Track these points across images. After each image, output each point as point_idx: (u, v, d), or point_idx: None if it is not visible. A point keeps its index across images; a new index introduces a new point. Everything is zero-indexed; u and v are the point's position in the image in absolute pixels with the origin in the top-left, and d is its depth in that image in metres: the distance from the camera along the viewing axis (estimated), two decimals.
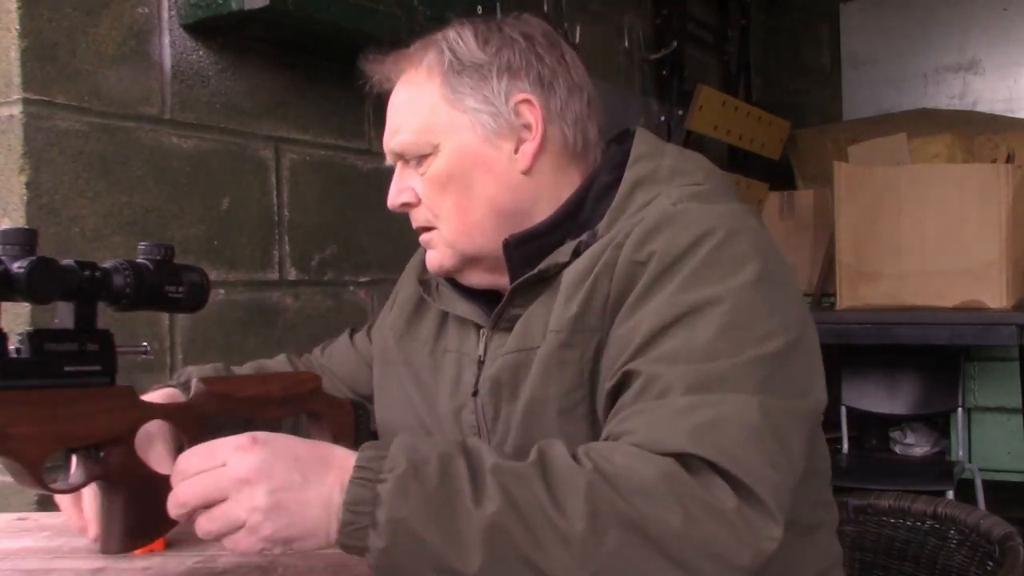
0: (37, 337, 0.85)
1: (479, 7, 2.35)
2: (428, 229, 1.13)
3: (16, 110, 1.72)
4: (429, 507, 0.78)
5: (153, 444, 1.02)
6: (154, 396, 1.09)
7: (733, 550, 0.79)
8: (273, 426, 1.19)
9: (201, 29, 2.02)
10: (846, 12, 4.94)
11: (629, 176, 1.06)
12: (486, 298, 1.14)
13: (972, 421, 3.58)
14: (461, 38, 1.10)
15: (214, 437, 0.88)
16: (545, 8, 3.24)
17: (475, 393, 1.10)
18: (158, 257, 0.95)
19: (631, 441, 0.84)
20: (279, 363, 1.36)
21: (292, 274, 2.26)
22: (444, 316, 1.20)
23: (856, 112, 4.82)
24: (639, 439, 0.84)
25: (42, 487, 0.87)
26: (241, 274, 2.14)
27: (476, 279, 1.14)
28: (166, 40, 1.98)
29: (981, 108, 4.56)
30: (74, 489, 0.91)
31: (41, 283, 0.82)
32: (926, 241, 3.29)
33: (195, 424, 0.99)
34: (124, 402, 0.92)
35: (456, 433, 1.11)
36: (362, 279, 2.44)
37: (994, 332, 3.05)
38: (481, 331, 1.13)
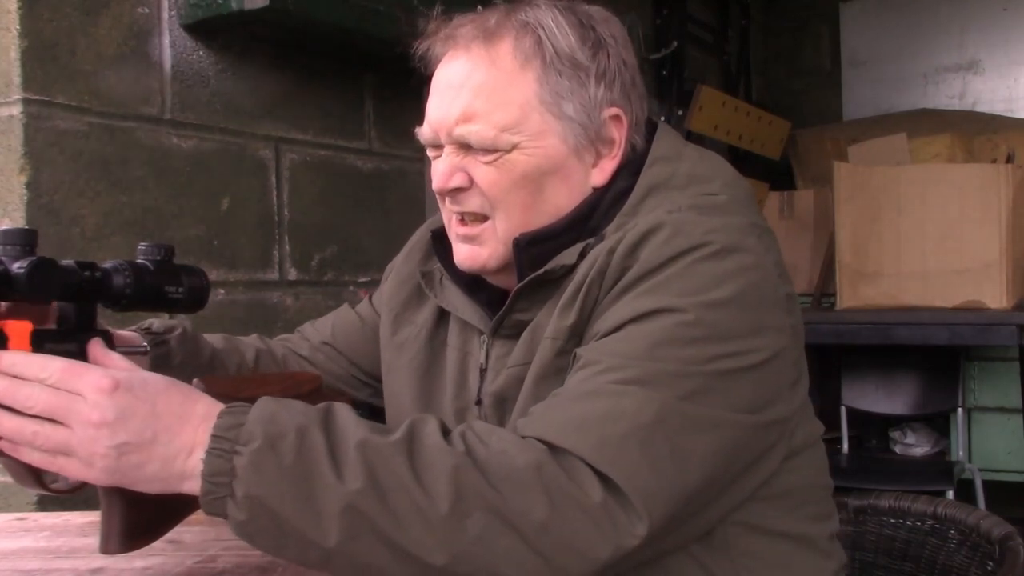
0: (38, 337, 0.85)
1: (479, 8, 2.35)
2: (477, 221, 1.04)
3: (16, 110, 1.72)
4: (285, 483, 0.78)
5: None
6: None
7: (594, 544, 0.79)
8: None
9: (201, 29, 2.02)
10: (846, 12, 4.94)
11: (643, 181, 1.02)
12: (488, 299, 1.09)
13: (972, 421, 3.58)
14: (559, 29, 1.01)
15: None
16: None
17: (479, 402, 1.07)
18: (158, 257, 0.95)
19: (524, 422, 0.86)
20: (249, 343, 1.29)
21: (292, 274, 2.26)
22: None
23: (856, 112, 4.82)
24: (529, 421, 0.86)
25: (42, 487, 0.87)
26: (241, 274, 2.14)
27: (502, 278, 1.08)
28: (166, 40, 1.98)
29: (981, 108, 4.56)
30: (74, 490, 0.91)
31: (41, 283, 0.83)
32: (926, 241, 3.29)
33: None
34: None
35: None
36: (362, 279, 2.44)
37: (994, 332, 3.05)
38: (482, 336, 1.09)
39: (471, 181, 1.02)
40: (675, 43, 3.97)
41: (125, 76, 1.89)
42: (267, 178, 2.21)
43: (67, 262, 0.87)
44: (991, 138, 3.91)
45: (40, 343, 0.85)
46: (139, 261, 0.94)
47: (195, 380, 1.03)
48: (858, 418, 3.68)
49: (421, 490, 0.78)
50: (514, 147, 1.00)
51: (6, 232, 0.84)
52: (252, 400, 1.05)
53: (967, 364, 3.56)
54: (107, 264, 0.91)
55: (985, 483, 3.30)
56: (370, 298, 1.33)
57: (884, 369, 3.55)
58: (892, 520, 1.36)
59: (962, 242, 3.23)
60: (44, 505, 1.69)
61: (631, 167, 1.05)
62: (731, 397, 0.88)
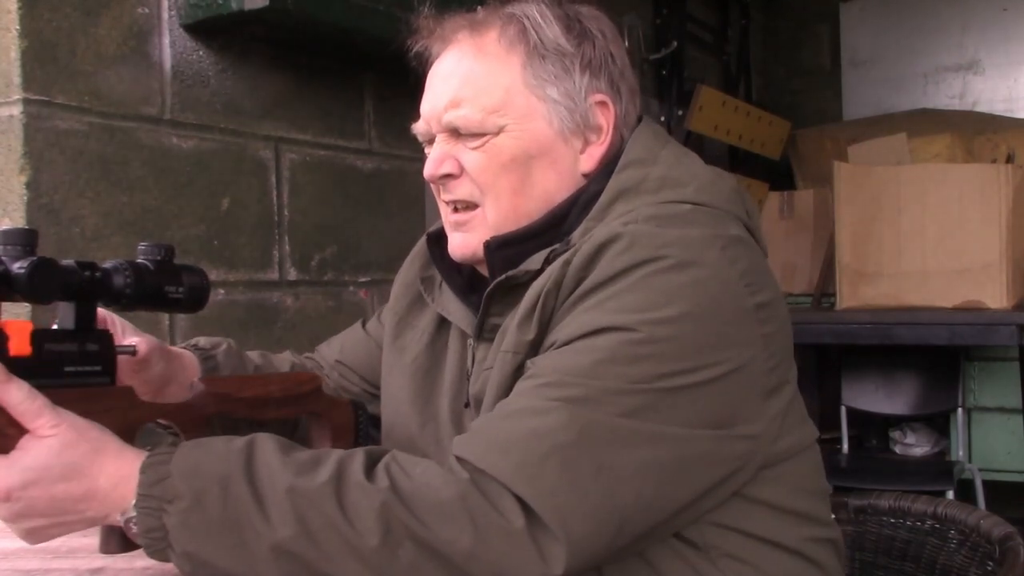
0: (38, 337, 0.85)
1: (479, 8, 2.35)
2: (468, 208, 1.06)
3: (16, 110, 1.72)
4: (217, 535, 0.81)
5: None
6: (140, 340, 1.10)
7: (521, 570, 0.80)
8: (275, 427, 1.20)
9: (201, 29, 2.02)
10: (846, 12, 4.93)
11: (613, 185, 1.02)
12: (478, 303, 1.10)
13: (972, 421, 3.58)
14: (544, 20, 1.05)
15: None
16: None
17: (467, 404, 1.09)
18: (158, 257, 0.95)
19: (459, 440, 0.86)
20: (283, 358, 1.33)
21: (292, 274, 2.26)
22: None
23: (856, 112, 4.82)
24: (462, 439, 0.86)
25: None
26: (241, 274, 2.14)
27: None
28: (166, 40, 1.98)
29: (981, 108, 4.56)
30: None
31: (42, 283, 0.83)
32: (926, 241, 3.29)
33: (195, 423, 0.99)
34: (124, 402, 0.92)
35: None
36: (362, 279, 2.44)
37: (994, 332, 3.05)
38: (469, 341, 1.10)
39: (461, 168, 1.05)
40: (675, 43, 3.97)
41: (125, 76, 1.89)
42: (267, 178, 2.21)
43: (67, 262, 0.87)
44: (991, 138, 3.91)
45: (40, 343, 0.85)
46: (139, 261, 0.94)
47: (195, 380, 1.03)
48: (858, 418, 3.68)
49: (351, 528, 0.80)
50: (501, 129, 1.03)
51: (6, 232, 0.84)
52: (251, 400, 1.06)
53: (967, 364, 3.56)
54: (107, 264, 0.91)
55: (985, 483, 3.30)
56: (379, 315, 1.35)
57: (884, 369, 3.55)
58: (892, 520, 1.36)
59: (962, 242, 3.23)
60: None
61: (607, 168, 1.05)
62: (681, 413, 0.87)
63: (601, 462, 0.83)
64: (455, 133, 1.05)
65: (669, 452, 0.87)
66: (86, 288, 0.89)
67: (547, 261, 1.00)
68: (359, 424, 1.17)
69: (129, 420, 0.92)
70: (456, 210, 1.07)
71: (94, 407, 0.88)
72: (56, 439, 0.83)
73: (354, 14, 2.07)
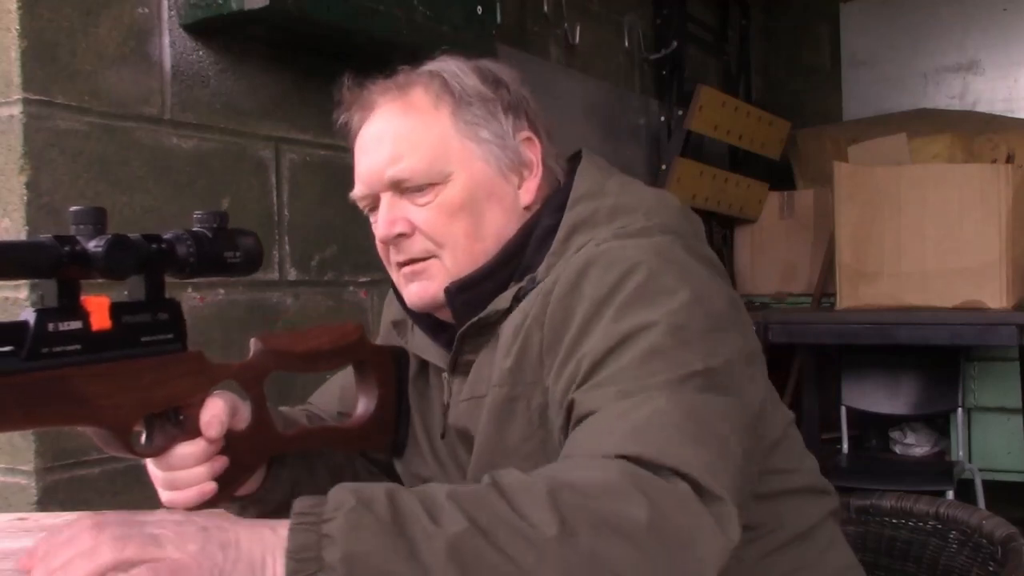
0: (115, 311, 0.87)
1: (479, 7, 2.35)
2: (422, 260, 1.10)
3: (16, 110, 1.72)
4: (386, 537, 0.74)
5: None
6: None
7: (703, 540, 0.78)
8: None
9: (201, 29, 2.02)
10: (846, 12, 4.94)
11: (568, 220, 1.07)
12: (447, 340, 1.13)
13: (972, 421, 3.58)
14: (461, 72, 1.12)
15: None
16: (545, 8, 3.24)
17: (443, 435, 1.13)
18: (215, 225, 0.98)
19: (584, 441, 0.87)
20: (298, 412, 1.27)
21: (292, 274, 2.25)
22: None
23: (856, 112, 4.82)
24: (583, 450, 0.85)
25: (131, 453, 0.90)
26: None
27: (449, 314, 1.12)
28: (166, 40, 1.98)
29: (981, 108, 4.57)
30: (158, 452, 0.94)
31: (120, 260, 0.84)
32: (926, 241, 3.29)
33: (258, 379, 1.03)
34: (196, 366, 0.95)
35: (437, 472, 1.13)
36: (362, 279, 2.44)
37: (994, 332, 3.05)
38: (443, 375, 1.14)
39: (413, 227, 1.08)
40: (675, 43, 3.97)
41: (125, 76, 1.89)
42: (267, 178, 2.20)
43: (136, 236, 0.89)
44: (991, 138, 3.92)
45: (118, 316, 0.87)
46: (196, 230, 0.96)
47: (253, 339, 1.06)
48: (858, 418, 3.68)
49: (523, 520, 0.75)
50: (447, 177, 1.07)
51: (78, 212, 0.85)
52: (307, 354, 1.08)
53: (967, 364, 3.56)
54: (169, 235, 0.93)
55: (985, 483, 3.30)
56: None
57: (884, 369, 3.55)
58: (894, 520, 1.36)
59: (962, 242, 3.24)
60: (44, 505, 1.69)
61: (554, 202, 1.10)
62: (728, 385, 0.92)
63: (712, 428, 0.86)
64: (399, 189, 1.08)
65: (743, 412, 0.92)
66: (155, 260, 0.91)
67: (516, 299, 1.05)
68: (400, 369, 1.19)
69: (203, 383, 0.96)
70: (407, 262, 1.11)
71: (171, 372, 0.92)
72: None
73: (354, 14, 2.07)
